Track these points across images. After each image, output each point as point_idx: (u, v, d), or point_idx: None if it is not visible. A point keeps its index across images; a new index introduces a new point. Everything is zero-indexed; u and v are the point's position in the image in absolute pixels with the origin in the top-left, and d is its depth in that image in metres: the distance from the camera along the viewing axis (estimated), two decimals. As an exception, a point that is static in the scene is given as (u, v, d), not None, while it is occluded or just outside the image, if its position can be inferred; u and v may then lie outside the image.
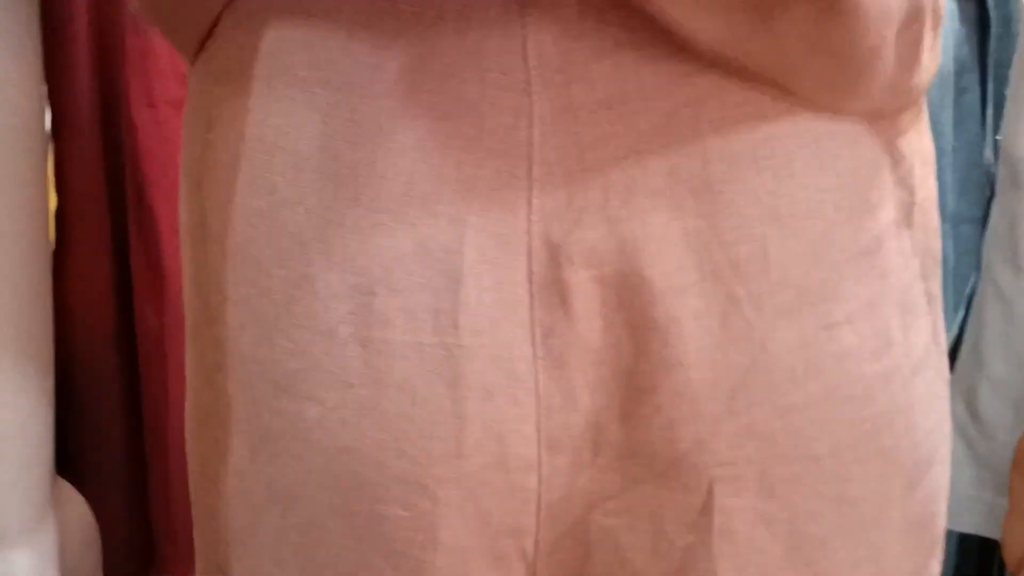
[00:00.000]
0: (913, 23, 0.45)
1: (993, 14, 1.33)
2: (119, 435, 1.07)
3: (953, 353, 1.03)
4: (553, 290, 0.44)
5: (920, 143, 0.52)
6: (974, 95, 1.28)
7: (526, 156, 0.44)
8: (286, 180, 0.44)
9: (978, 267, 1.08)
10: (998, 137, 1.08)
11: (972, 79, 1.29)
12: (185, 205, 0.53)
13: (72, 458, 1.02)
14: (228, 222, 0.47)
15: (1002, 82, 1.38)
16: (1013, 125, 0.93)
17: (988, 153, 1.30)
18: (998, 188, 0.97)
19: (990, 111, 1.31)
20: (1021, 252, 0.93)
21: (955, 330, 1.06)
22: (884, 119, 0.47)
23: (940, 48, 0.52)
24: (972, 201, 1.28)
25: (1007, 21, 1.36)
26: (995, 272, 0.96)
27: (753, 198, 0.44)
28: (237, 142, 0.46)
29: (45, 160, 0.92)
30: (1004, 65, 1.37)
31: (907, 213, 0.49)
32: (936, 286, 0.54)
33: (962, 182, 1.26)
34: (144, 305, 1.02)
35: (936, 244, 0.53)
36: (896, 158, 0.49)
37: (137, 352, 1.03)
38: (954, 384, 1.00)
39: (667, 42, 0.43)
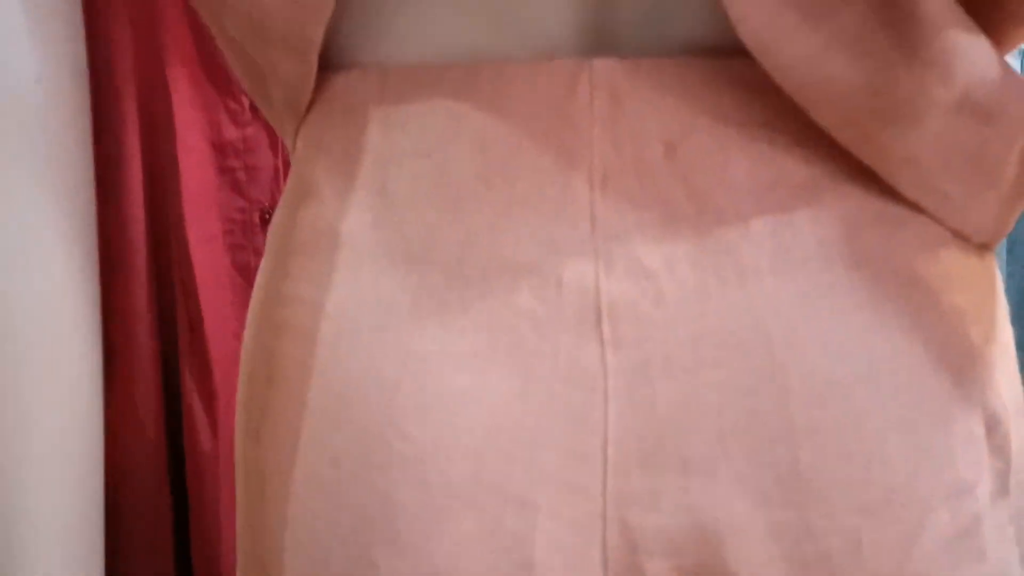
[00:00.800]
0: None
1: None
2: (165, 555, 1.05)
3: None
4: None
5: (1012, 391, 0.49)
6: (1029, 220, 1.25)
7: (601, 434, 0.42)
8: (349, 455, 0.43)
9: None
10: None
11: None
12: (241, 433, 0.50)
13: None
14: (289, 489, 0.45)
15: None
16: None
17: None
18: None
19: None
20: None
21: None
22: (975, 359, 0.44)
23: None
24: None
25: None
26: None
27: (844, 488, 0.42)
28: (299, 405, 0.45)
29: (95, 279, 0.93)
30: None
31: (1003, 482, 0.46)
32: None
33: (1017, 307, 1.23)
34: (194, 431, 1.01)
35: None
36: (991, 425, 0.46)
37: (186, 474, 1.02)
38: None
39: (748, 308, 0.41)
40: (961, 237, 0.45)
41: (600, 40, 0.44)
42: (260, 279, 0.49)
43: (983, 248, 0.46)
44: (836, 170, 0.43)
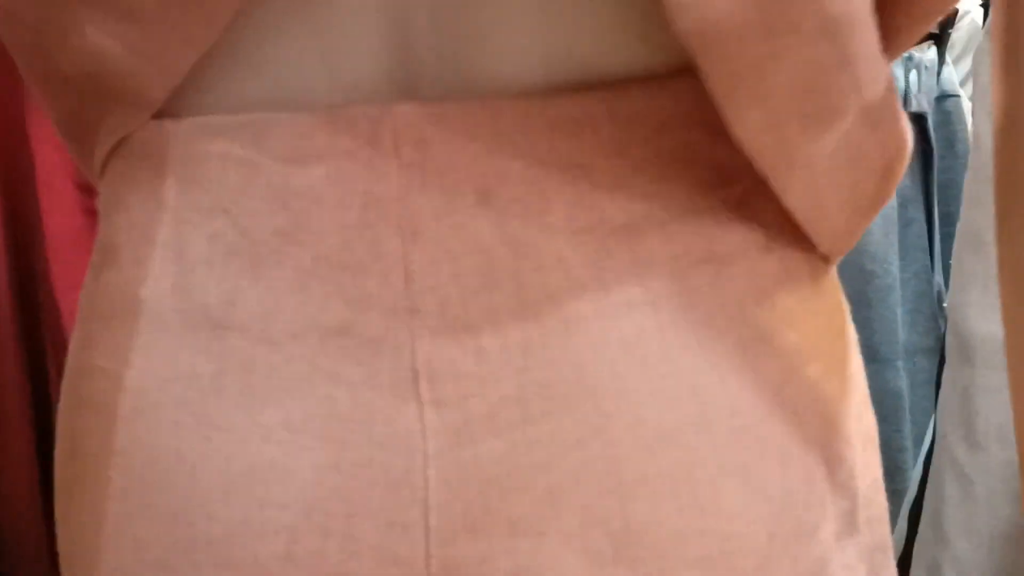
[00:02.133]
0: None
1: (935, 135, 1.32)
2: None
3: (915, 512, 1.00)
4: None
5: (861, 423, 0.48)
6: (920, 226, 1.27)
7: (422, 501, 0.40)
8: (155, 541, 0.40)
9: (935, 401, 1.05)
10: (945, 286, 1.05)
11: (917, 208, 1.28)
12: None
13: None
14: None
15: (948, 203, 1.36)
16: (959, 295, 0.90)
17: (938, 280, 1.28)
18: (948, 356, 0.94)
19: (937, 238, 1.29)
20: (978, 429, 0.90)
21: (914, 490, 1.03)
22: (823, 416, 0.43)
23: None
24: (924, 331, 1.25)
25: (950, 142, 1.35)
26: (951, 446, 0.93)
27: (678, 540, 0.40)
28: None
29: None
30: (950, 187, 1.36)
31: (850, 520, 0.45)
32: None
33: (912, 314, 1.24)
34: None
35: (884, 529, 0.49)
36: (833, 464, 0.44)
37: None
38: (916, 557, 0.96)
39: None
40: (805, 252, 0.44)
41: (409, 84, 0.42)
42: (69, 349, 0.46)
43: (821, 277, 0.45)
44: (659, 210, 0.41)
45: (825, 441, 0.44)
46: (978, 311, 0.88)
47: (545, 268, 0.40)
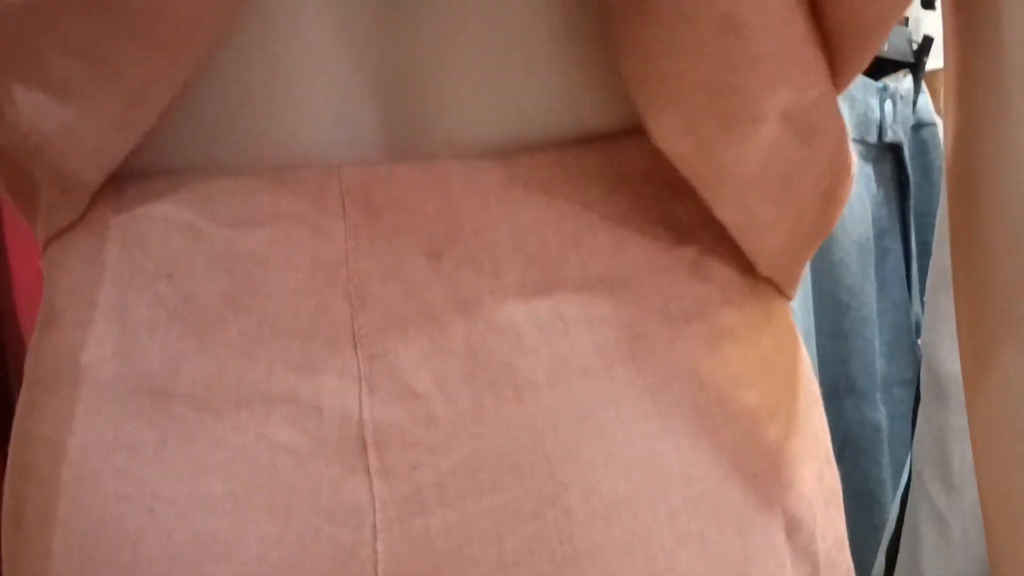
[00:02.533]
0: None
1: (911, 164, 1.32)
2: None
3: (892, 550, 0.99)
4: None
5: (823, 482, 0.47)
6: (897, 256, 1.26)
7: (371, 575, 0.39)
8: None
9: (912, 432, 1.04)
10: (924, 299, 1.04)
11: (894, 240, 1.28)
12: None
13: None
14: None
15: (925, 232, 1.36)
16: (932, 333, 0.90)
17: (916, 311, 1.27)
18: (923, 394, 0.94)
19: (915, 267, 1.29)
20: (953, 469, 0.89)
21: (892, 527, 1.02)
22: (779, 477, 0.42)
23: None
24: (902, 363, 1.25)
25: (927, 171, 1.35)
26: (927, 486, 0.92)
27: None
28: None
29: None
30: (927, 215, 1.36)
31: None
32: None
33: (890, 345, 1.24)
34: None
35: None
36: (793, 528, 0.44)
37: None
38: (894, 597, 0.95)
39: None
40: (764, 305, 0.43)
41: (357, 144, 0.41)
42: (16, 412, 0.45)
43: (781, 329, 0.44)
44: (614, 270, 0.40)
45: (785, 505, 0.43)
46: (951, 351, 0.88)
47: (496, 333, 0.39)
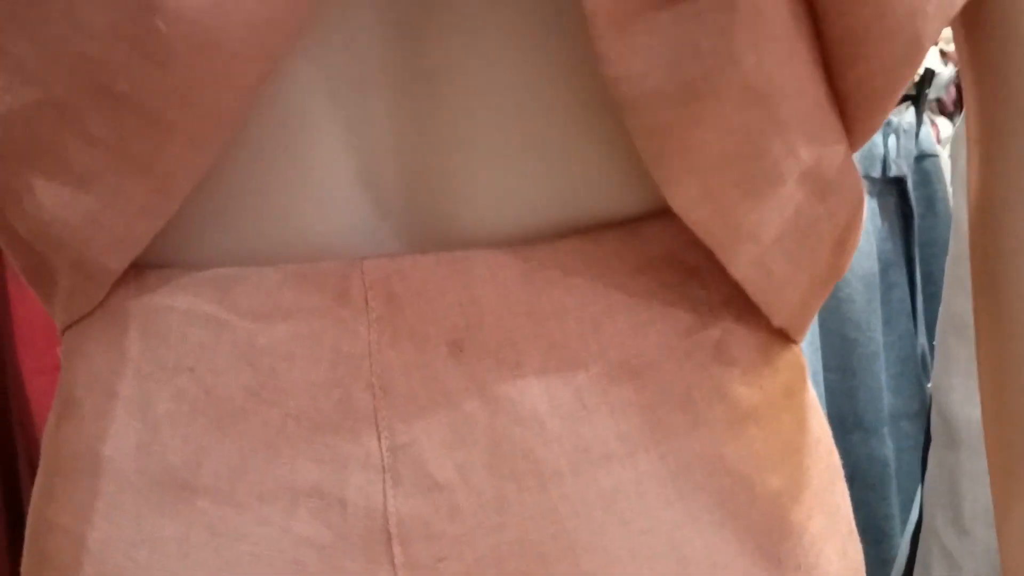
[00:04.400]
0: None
1: (914, 195, 1.32)
2: None
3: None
4: None
5: (847, 558, 0.46)
6: (902, 290, 1.26)
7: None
8: None
9: (922, 467, 1.04)
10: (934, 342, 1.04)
11: (899, 272, 1.27)
12: None
13: None
14: None
15: (930, 263, 1.36)
16: (944, 379, 0.89)
17: (922, 342, 1.27)
18: (934, 437, 0.93)
19: (920, 299, 1.28)
20: (964, 513, 0.89)
21: (902, 567, 1.02)
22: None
23: None
24: (909, 395, 1.25)
25: (931, 202, 1.35)
26: (938, 529, 0.92)
27: None
28: None
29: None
30: (932, 245, 1.36)
31: None
32: None
33: (897, 378, 1.23)
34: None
35: None
36: None
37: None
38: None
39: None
40: (785, 383, 0.42)
41: (378, 236, 0.41)
42: (33, 497, 0.44)
43: (803, 407, 0.44)
44: (634, 357, 0.40)
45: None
46: (963, 395, 0.87)
47: (519, 422, 0.39)
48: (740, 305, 0.42)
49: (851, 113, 0.41)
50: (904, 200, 1.29)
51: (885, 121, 1.32)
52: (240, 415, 0.39)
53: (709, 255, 0.40)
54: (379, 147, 0.39)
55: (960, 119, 0.93)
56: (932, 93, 1.34)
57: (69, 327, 0.43)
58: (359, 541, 0.39)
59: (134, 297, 0.41)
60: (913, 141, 1.31)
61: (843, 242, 0.43)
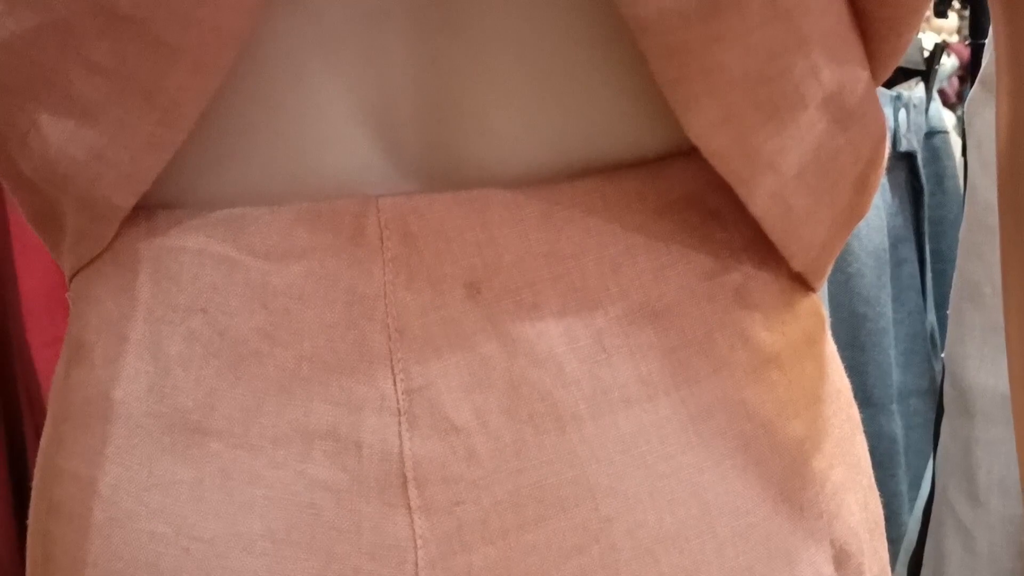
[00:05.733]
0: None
1: (924, 172, 1.31)
2: None
3: (914, 564, 0.98)
4: None
5: (867, 511, 0.46)
6: (912, 265, 1.25)
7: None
8: None
9: (933, 441, 1.03)
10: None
11: (908, 248, 1.27)
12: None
13: None
14: None
15: (939, 240, 1.35)
16: (957, 347, 0.89)
17: (931, 318, 1.26)
18: (947, 407, 0.92)
19: (929, 276, 1.28)
20: (979, 483, 0.88)
21: (914, 540, 1.01)
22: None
23: None
24: (918, 372, 1.24)
25: (940, 179, 1.34)
26: (952, 499, 0.91)
27: None
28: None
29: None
30: (941, 222, 1.35)
31: None
32: None
33: (906, 355, 1.23)
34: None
35: None
36: (841, 559, 0.42)
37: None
38: (919, 614, 0.94)
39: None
40: (807, 330, 0.42)
41: (394, 174, 0.40)
42: (41, 446, 0.44)
43: (823, 355, 0.43)
44: (655, 299, 0.39)
45: (833, 536, 0.42)
46: (977, 363, 0.87)
47: (537, 365, 0.38)
48: (762, 249, 0.41)
49: (874, 34, 0.39)
50: (914, 175, 1.28)
51: (895, 95, 1.32)
52: (254, 357, 0.38)
53: (731, 198, 0.40)
54: (394, 82, 0.38)
55: (978, 81, 0.92)
56: (935, 84, 1.33)
57: (77, 273, 0.42)
58: (375, 484, 0.38)
59: (144, 238, 0.40)
60: (923, 117, 1.30)
61: (865, 179, 0.42)
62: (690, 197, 0.41)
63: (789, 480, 0.40)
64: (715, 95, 0.36)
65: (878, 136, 0.41)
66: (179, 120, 0.36)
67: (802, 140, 0.38)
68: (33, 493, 0.43)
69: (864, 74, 0.39)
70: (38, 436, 0.95)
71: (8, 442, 0.97)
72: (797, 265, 0.41)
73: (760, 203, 0.39)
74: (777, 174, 0.38)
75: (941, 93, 2.02)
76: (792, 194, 0.39)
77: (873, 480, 0.48)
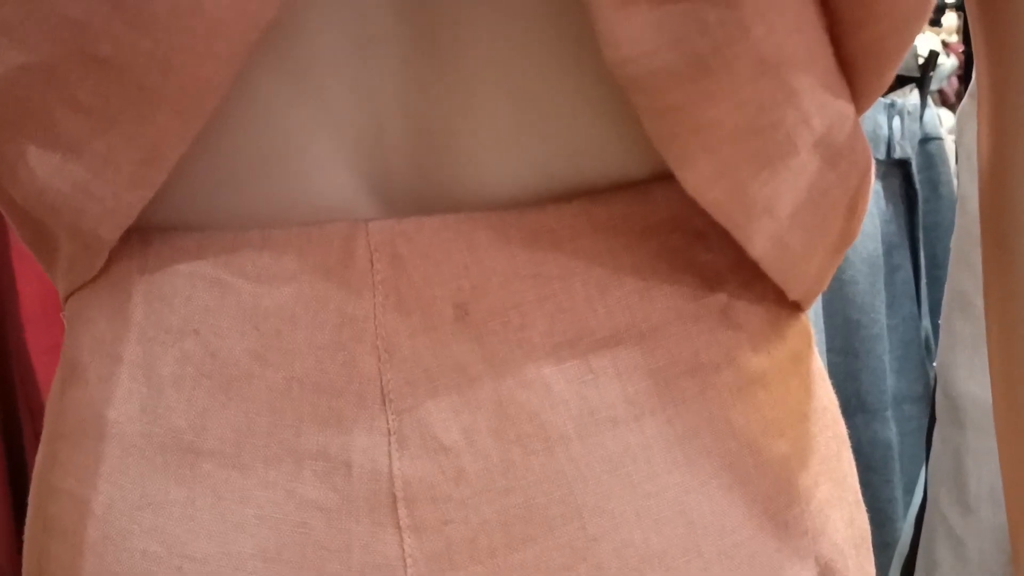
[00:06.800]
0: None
1: (919, 178, 1.32)
2: None
3: (906, 572, 0.98)
4: None
5: (853, 527, 0.46)
6: (906, 272, 1.26)
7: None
8: None
9: (926, 449, 1.04)
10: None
11: (903, 255, 1.27)
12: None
13: None
14: None
15: (934, 246, 1.36)
16: (948, 356, 0.89)
17: (925, 324, 1.27)
18: (939, 416, 0.93)
19: (923, 282, 1.28)
20: (970, 491, 0.89)
21: (906, 547, 1.01)
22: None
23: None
24: (912, 378, 1.24)
25: (934, 185, 1.35)
26: (943, 508, 0.92)
27: None
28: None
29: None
30: (935, 228, 1.35)
31: None
32: None
33: (900, 361, 1.23)
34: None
35: None
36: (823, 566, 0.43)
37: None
38: (910, 621, 0.95)
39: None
40: (792, 349, 0.42)
41: (383, 197, 0.40)
42: (36, 464, 0.44)
43: (809, 373, 0.44)
44: (642, 320, 0.40)
45: (818, 553, 0.43)
46: (967, 373, 0.87)
47: (525, 386, 0.39)
48: (747, 270, 0.41)
49: (858, 75, 0.40)
50: (908, 182, 1.28)
51: (889, 102, 1.32)
52: (245, 378, 0.39)
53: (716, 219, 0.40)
54: (385, 108, 0.39)
55: (968, 93, 0.93)
56: (934, 83, 1.34)
57: (72, 294, 0.43)
58: (364, 504, 0.38)
59: (138, 262, 0.40)
60: (917, 123, 1.31)
61: (854, 206, 0.42)
62: (675, 219, 0.41)
63: (775, 498, 0.41)
64: (708, 150, 0.36)
65: (865, 167, 0.41)
66: (161, 161, 0.37)
67: (795, 183, 0.38)
68: (29, 510, 0.44)
69: (850, 110, 0.40)
70: (37, 441, 0.95)
71: (7, 448, 0.98)
72: (794, 295, 0.42)
73: (759, 246, 0.39)
74: (773, 218, 0.39)
75: (940, 93, 2.02)
76: (788, 233, 0.40)
77: (860, 496, 0.48)
